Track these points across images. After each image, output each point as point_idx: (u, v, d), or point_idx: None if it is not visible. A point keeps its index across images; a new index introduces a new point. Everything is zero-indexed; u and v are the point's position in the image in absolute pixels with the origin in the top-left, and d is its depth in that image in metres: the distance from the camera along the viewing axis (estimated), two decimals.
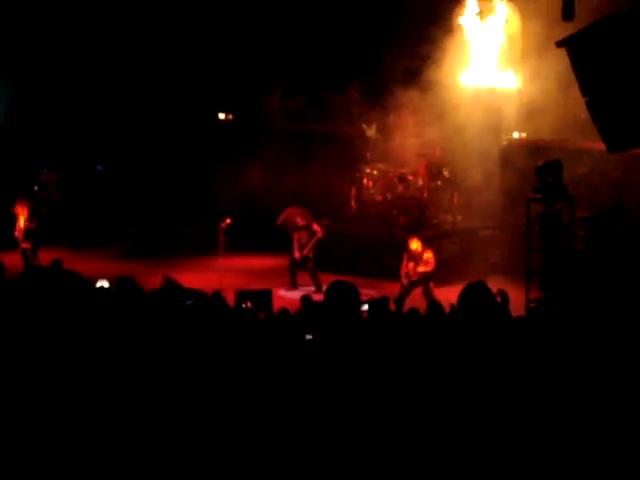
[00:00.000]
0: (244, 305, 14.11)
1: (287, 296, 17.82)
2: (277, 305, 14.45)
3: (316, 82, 23.86)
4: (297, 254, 19.15)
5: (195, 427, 6.00)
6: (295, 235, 19.33)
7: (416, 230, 19.54)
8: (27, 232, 19.27)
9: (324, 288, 18.22)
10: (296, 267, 19.25)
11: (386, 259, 19.23)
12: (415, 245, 17.09)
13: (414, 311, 9.60)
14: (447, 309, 11.77)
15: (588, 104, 15.88)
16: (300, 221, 19.35)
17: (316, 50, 23.69)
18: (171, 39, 24.51)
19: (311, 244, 19.16)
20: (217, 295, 13.28)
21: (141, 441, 5.97)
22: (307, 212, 19.73)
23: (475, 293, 6.79)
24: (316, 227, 19.32)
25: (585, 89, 15.81)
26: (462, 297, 6.78)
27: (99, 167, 25.52)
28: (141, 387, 6.39)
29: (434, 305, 11.77)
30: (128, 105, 25.21)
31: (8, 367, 6.66)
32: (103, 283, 13.31)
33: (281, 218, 19.80)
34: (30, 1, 23.83)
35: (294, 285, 19.03)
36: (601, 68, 15.44)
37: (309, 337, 7.22)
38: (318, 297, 17.69)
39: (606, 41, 15.47)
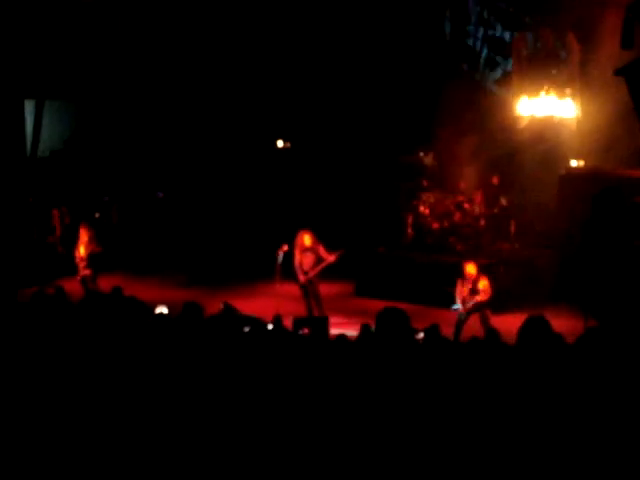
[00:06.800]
0: (301, 332, 14.16)
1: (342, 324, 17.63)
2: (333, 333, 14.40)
3: (375, 110, 23.99)
4: (302, 277, 18.16)
5: (248, 452, 6.10)
6: (298, 257, 18.13)
7: (472, 256, 19.44)
8: (87, 259, 19.37)
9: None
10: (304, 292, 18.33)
11: (441, 286, 19.08)
12: (470, 269, 16.90)
13: (475, 339, 9.56)
14: (504, 337, 11.78)
15: None
16: (307, 243, 18.11)
17: (377, 80, 23.82)
18: (236, 68, 24.80)
19: (320, 268, 18.11)
20: (277, 319, 13.35)
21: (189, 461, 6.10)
22: (313, 234, 18.23)
23: (535, 326, 6.78)
24: (323, 252, 18.09)
25: None
26: (522, 330, 6.80)
27: (160, 194, 25.81)
28: (201, 411, 6.47)
29: (492, 332, 11.76)
30: (190, 134, 25.52)
31: (70, 391, 6.80)
32: (162, 309, 13.49)
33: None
34: (97, 32, 24.15)
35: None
36: None
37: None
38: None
39: None
